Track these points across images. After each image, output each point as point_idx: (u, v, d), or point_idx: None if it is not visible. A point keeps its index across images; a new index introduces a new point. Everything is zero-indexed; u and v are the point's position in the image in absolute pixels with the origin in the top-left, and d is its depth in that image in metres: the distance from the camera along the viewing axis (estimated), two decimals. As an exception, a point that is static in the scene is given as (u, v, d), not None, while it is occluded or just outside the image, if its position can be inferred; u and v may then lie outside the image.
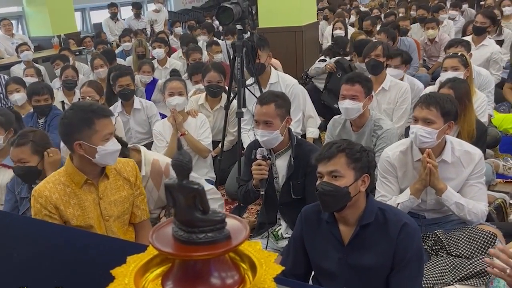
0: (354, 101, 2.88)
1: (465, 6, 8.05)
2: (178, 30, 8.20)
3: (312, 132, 3.86)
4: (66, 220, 2.01)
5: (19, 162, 2.43)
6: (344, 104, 2.91)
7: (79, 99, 4.50)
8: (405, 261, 1.71)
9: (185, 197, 0.82)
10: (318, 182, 1.82)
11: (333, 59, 4.65)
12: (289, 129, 2.57)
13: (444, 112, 2.27)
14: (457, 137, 2.57)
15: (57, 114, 3.82)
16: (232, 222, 0.88)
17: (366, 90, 2.90)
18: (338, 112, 3.11)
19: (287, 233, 2.61)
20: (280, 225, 2.67)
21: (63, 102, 4.56)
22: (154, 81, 4.94)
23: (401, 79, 3.77)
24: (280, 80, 3.66)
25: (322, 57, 5.01)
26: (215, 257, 0.85)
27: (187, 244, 0.83)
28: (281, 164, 2.57)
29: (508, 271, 1.52)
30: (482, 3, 8.36)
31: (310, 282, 1.97)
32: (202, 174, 3.45)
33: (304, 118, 3.89)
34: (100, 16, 9.92)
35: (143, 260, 0.91)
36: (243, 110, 3.18)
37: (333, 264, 1.82)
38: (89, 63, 6.49)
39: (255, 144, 2.64)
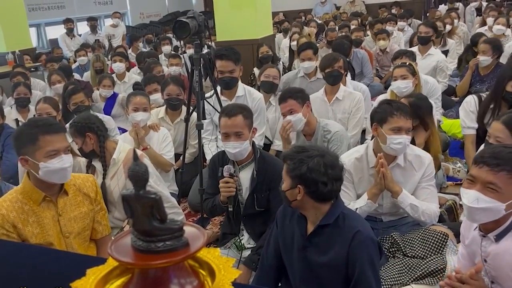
0: (293, 115, 3.01)
1: (412, 18, 8.42)
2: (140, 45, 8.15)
3: (278, 146, 3.90)
4: (25, 238, 1.97)
5: None
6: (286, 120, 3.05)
7: (34, 115, 4.40)
8: (358, 268, 1.77)
9: (142, 207, 0.85)
10: None
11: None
12: (253, 142, 2.61)
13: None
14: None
15: (11, 132, 3.71)
16: (190, 230, 0.90)
17: (300, 100, 3.03)
18: None
19: (249, 244, 2.64)
20: (243, 235, 2.70)
21: (17, 120, 4.44)
22: (114, 96, 4.89)
23: (343, 83, 3.88)
24: (247, 93, 3.70)
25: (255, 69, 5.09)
26: (174, 265, 0.87)
27: (146, 253, 0.85)
28: (245, 177, 2.59)
29: None
30: (428, 14, 8.76)
31: None
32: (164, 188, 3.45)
33: (277, 128, 3.94)
34: (56, 32, 9.73)
35: (103, 272, 0.92)
36: (205, 121, 3.20)
37: (294, 255, 1.91)
38: (46, 79, 6.35)
39: (219, 158, 2.65)
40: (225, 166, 2.48)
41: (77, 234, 2.09)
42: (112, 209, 2.72)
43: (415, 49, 5.09)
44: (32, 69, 6.73)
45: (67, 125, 3.19)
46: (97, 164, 2.72)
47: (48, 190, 2.01)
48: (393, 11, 9.54)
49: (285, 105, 3.03)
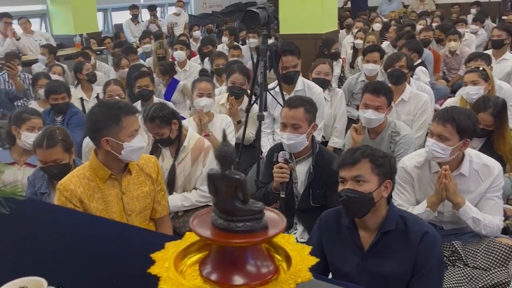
0: (377, 112, 2.90)
1: (487, 21, 8.03)
2: (197, 34, 8.27)
3: (336, 143, 3.83)
4: (90, 214, 2.03)
5: (53, 162, 2.38)
6: (366, 114, 2.91)
7: (97, 94, 4.56)
8: (426, 268, 1.72)
9: (227, 186, 0.86)
10: (340, 188, 1.81)
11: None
12: (313, 136, 2.58)
13: (460, 129, 2.24)
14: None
15: (75, 112, 3.87)
16: (269, 215, 0.91)
17: (389, 101, 2.94)
18: None
19: (302, 238, 2.61)
20: (296, 229, 2.68)
21: (82, 99, 4.61)
22: (175, 82, 4.99)
23: (408, 82, 3.75)
24: (306, 88, 3.65)
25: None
26: (252, 246, 0.88)
27: (226, 231, 0.86)
28: (301, 170, 2.57)
29: None
30: (504, 17, 8.33)
31: None
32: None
33: (333, 125, 3.91)
34: (121, 17, 10.02)
35: (181, 246, 0.94)
36: (265, 113, 3.19)
37: (352, 269, 1.83)
38: (109, 62, 6.57)
39: (277, 147, 2.64)
40: (281, 152, 2.47)
41: (139, 212, 2.15)
42: (173, 193, 2.77)
43: (489, 52, 4.86)
44: (97, 52, 6.99)
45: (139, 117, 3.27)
46: (166, 149, 2.77)
47: (114, 168, 2.07)
48: (473, 10, 9.12)
49: (375, 99, 2.89)
